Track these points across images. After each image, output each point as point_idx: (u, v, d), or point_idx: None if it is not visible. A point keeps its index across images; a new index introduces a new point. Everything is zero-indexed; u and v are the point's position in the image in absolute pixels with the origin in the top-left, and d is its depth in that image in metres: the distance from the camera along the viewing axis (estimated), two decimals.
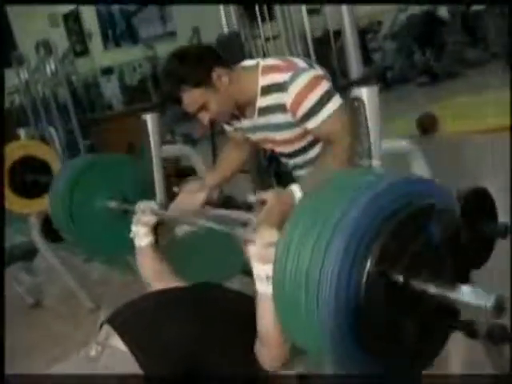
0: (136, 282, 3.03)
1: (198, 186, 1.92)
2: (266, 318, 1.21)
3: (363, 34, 8.90)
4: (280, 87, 1.59)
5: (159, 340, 1.34)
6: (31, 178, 2.88)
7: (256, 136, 1.80)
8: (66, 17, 11.59)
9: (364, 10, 8.28)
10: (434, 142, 5.07)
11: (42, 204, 3.01)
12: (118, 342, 1.33)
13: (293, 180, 1.99)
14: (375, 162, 1.13)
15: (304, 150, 1.76)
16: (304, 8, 4.89)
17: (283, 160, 1.90)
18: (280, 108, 1.62)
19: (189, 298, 1.50)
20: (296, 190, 1.51)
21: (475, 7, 8.62)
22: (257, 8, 5.24)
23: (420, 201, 0.87)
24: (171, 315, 1.41)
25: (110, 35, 11.96)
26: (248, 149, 1.97)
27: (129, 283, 3.33)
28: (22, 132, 3.19)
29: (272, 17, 5.72)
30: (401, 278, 0.84)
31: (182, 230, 1.99)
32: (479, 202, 1.26)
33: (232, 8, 4.68)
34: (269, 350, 1.29)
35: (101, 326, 1.42)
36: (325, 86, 1.58)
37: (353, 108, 1.19)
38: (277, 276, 0.87)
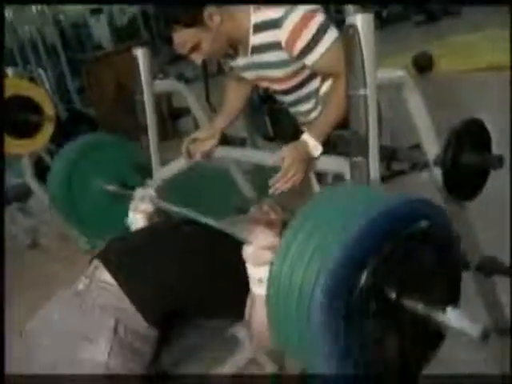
0: None
1: (208, 132, 1.91)
2: (258, 317, 1.23)
3: None
4: (273, 24, 1.54)
5: (148, 273, 1.35)
6: (21, 117, 2.82)
7: (250, 74, 1.76)
8: None
9: None
10: (430, 80, 5.00)
11: (34, 144, 2.99)
12: (105, 275, 1.35)
13: (287, 117, 1.98)
14: (369, 91, 1.11)
15: (299, 86, 1.73)
16: None
17: (278, 97, 1.87)
18: (274, 46, 1.58)
19: (179, 233, 1.51)
20: (308, 139, 1.49)
21: None
22: None
23: (416, 222, 0.88)
24: (161, 248, 1.42)
25: None
26: (249, 85, 1.94)
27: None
28: (9, 71, 3.10)
29: None
30: (393, 296, 0.86)
31: (177, 165, 1.97)
32: (475, 133, 1.26)
33: None
34: (258, 341, 1.32)
35: (90, 262, 1.43)
36: (319, 18, 1.53)
37: (347, 36, 1.15)
38: (271, 286, 0.89)
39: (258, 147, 2.69)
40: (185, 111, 4.72)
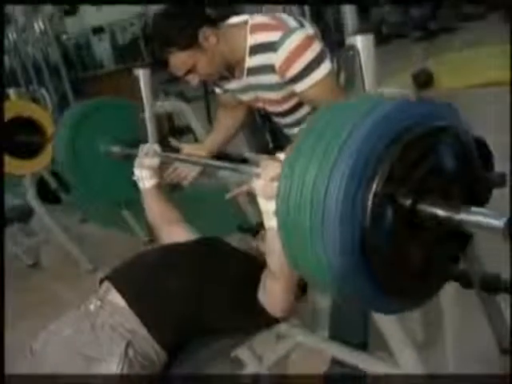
0: (133, 241, 3.04)
1: (197, 149, 1.91)
2: (276, 251, 1.21)
3: None
4: (269, 47, 1.55)
5: (159, 294, 1.35)
6: (23, 138, 2.83)
7: (246, 96, 1.77)
8: None
9: None
10: (430, 96, 5.01)
11: (36, 165, 2.99)
12: (117, 298, 1.35)
13: (287, 138, 1.98)
14: None
15: (294, 109, 1.74)
16: None
17: (275, 119, 1.88)
18: (269, 68, 1.58)
19: (189, 253, 1.50)
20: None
21: None
22: None
23: (430, 122, 0.84)
24: (172, 270, 1.41)
25: None
26: (244, 109, 1.94)
27: (126, 243, 3.36)
28: (11, 92, 3.12)
29: None
30: (408, 202, 0.81)
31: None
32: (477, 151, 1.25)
33: None
34: (281, 285, 1.29)
35: (101, 283, 1.43)
36: (315, 48, 1.53)
37: (348, 57, 1.16)
38: (281, 201, 0.84)
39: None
40: (186, 130, 4.74)
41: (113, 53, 10.92)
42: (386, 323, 1.21)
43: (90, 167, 2.02)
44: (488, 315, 1.60)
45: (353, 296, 0.87)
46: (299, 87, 1.57)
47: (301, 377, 1.72)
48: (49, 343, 1.32)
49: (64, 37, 8.25)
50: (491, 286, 1.47)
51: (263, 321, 1.40)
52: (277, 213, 0.86)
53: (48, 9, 6.87)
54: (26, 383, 1.31)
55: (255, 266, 1.44)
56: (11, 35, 6.63)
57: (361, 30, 1.20)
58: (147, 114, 1.84)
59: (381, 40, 8.15)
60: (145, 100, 1.82)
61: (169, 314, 1.32)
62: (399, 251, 0.84)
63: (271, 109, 1.77)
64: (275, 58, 1.54)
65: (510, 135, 2.90)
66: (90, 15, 11.23)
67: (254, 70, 1.63)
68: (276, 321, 1.42)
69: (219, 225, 2.03)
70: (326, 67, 1.54)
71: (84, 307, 1.36)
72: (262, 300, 1.36)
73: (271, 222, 1.16)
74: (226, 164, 1.38)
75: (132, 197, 1.81)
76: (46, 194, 3.73)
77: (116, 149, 1.98)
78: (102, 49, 10.79)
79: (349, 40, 1.17)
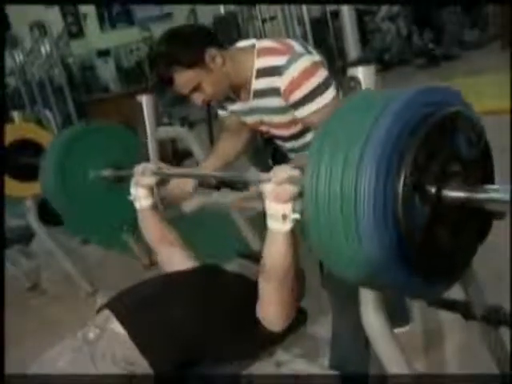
0: (134, 264, 3.03)
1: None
2: (278, 254, 1.21)
3: (361, 14, 8.82)
4: (275, 71, 1.57)
5: (160, 324, 1.34)
6: (26, 161, 2.84)
7: (251, 119, 1.78)
8: None
9: None
10: None
11: (38, 187, 2.99)
12: (117, 326, 1.33)
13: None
14: None
15: (299, 134, 1.74)
16: None
17: (278, 143, 1.88)
18: (274, 92, 1.60)
19: (190, 282, 1.50)
20: None
21: None
22: None
23: (444, 108, 0.87)
24: (173, 299, 1.40)
25: (105, 16, 11.78)
26: (246, 135, 1.95)
27: (126, 266, 3.34)
28: (15, 115, 3.14)
29: None
30: (434, 189, 0.84)
31: (188, 207, 1.98)
32: None
33: None
34: (274, 285, 1.28)
35: (99, 311, 1.42)
36: (321, 75, 1.55)
37: (349, 88, 1.16)
38: (310, 199, 0.85)
39: None
40: (189, 153, 4.76)
41: (118, 76, 11.01)
42: (387, 357, 1.19)
43: (80, 194, 1.97)
44: (491, 348, 1.58)
45: (389, 284, 0.88)
46: (300, 113, 1.58)
47: None
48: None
49: (70, 60, 8.33)
50: (493, 318, 1.45)
51: (264, 340, 1.40)
52: (305, 210, 0.87)
53: (55, 32, 6.96)
54: (26, 383, 1.30)
55: (255, 289, 1.44)
56: (18, 57, 6.71)
57: (362, 60, 1.20)
58: (150, 141, 1.84)
59: (383, 67, 8.20)
60: (148, 126, 1.82)
61: (170, 345, 1.31)
62: (431, 235, 0.86)
63: (276, 133, 1.78)
64: (280, 82, 1.56)
65: (510, 164, 2.91)
66: (96, 38, 11.37)
67: (260, 93, 1.64)
68: (278, 338, 1.41)
69: (219, 250, 2.01)
70: (329, 94, 1.55)
71: (81, 335, 1.34)
72: (258, 314, 1.35)
73: (277, 225, 1.16)
74: (230, 174, 1.37)
75: (125, 224, 1.77)
76: (48, 216, 3.72)
77: (107, 173, 1.94)
78: (107, 71, 10.86)
79: (350, 71, 1.18)
